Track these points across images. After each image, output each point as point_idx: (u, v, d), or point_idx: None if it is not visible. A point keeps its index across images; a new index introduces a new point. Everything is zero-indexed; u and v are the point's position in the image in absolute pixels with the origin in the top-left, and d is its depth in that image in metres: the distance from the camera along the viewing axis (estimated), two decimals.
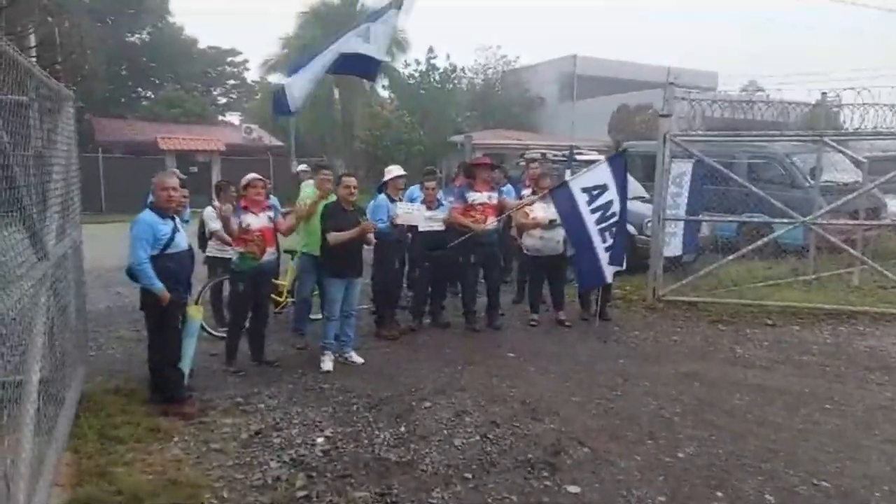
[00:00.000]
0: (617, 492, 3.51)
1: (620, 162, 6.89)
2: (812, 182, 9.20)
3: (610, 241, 6.73)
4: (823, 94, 9.71)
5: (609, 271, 6.85)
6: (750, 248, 7.92)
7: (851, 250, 7.94)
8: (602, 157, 7.23)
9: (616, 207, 6.73)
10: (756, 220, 8.62)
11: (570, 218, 6.64)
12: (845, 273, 8.70)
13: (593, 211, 6.64)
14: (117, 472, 3.56)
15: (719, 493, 3.49)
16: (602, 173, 6.79)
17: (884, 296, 7.90)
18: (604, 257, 6.74)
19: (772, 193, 7.90)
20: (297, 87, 6.02)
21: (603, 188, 6.68)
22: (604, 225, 6.70)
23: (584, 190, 6.64)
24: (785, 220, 7.73)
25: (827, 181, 9.05)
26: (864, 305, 7.55)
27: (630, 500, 3.43)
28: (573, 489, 3.53)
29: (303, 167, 9.46)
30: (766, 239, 7.91)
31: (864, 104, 8.57)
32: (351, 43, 6.20)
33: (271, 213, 5.56)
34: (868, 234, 8.98)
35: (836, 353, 6.13)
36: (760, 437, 4.20)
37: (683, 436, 4.23)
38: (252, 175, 5.55)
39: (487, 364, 5.73)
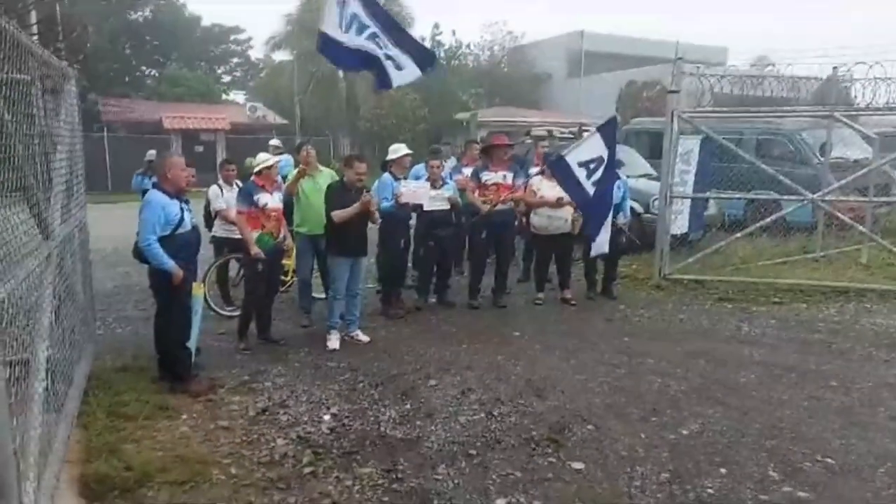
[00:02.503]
0: (621, 468, 3.53)
1: (611, 129, 6.87)
2: (822, 159, 9.10)
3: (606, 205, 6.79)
4: (834, 68, 9.54)
5: (604, 239, 6.89)
6: (757, 225, 7.86)
7: (860, 227, 7.87)
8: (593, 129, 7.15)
9: (610, 174, 6.75)
10: (764, 197, 8.54)
11: (575, 189, 6.63)
12: (853, 250, 8.63)
13: (594, 183, 6.63)
14: (126, 449, 3.61)
15: (723, 470, 3.50)
16: (596, 145, 6.75)
17: (892, 273, 7.85)
18: (601, 214, 6.79)
19: (780, 170, 7.82)
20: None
21: (599, 161, 6.65)
22: (601, 183, 6.71)
23: (581, 164, 6.62)
24: (793, 198, 7.65)
25: (837, 158, 8.94)
26: (872, 283, 7.50)
27: (633, 476, 3.45)
28: (577, 466, 3.56)
29: (275, 142, 9.46)
30: (773, 217, 7.85)
31: (875, 79, 8.42)
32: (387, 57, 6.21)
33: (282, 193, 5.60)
34: (877, 211, 8.89)
35: (843, 330, 6.11)
36: (765, 415, 4.21)
37: (688, 413, 4.24)
38: (264, 155, 5.56)
39: (493, 342, 5.74)
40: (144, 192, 7.35)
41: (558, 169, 6.63)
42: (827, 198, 7.65)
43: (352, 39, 6.05)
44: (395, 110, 25.55)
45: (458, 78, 29.23)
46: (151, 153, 8.06)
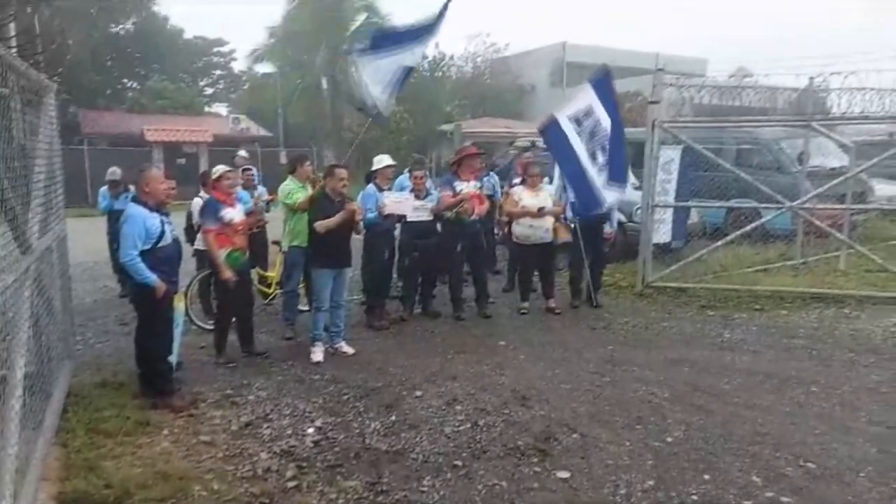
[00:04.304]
0: (606, 476, 3.54)
1: (605, 82, 6.91)
2: (799, 167, 9.24)
3: (603, 159, 6.78)
4: (811, 79, 9.73)
5: (610, 194, 6.85)
6: (738, 233, 7.96)
7: (838, 234, 8.01)
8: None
9: (605, 124, 6.76)
10: (744, 205, 8.65)
11: (563, 154, 6.74)
12: (832, 257, 8.76)
13: (582, 136, 6.72)
14: (106, 466, 3.55)
15: (707, 476, 3.52)
16: (586, 96, 6.82)
17: (870, 279, 7.97)
18: (599, 180, 6.79)
19: (759, 179, 7.93)
20: (379, 97, 6.57)
21: (588, 112, 6.74)
22: (594, 147, 6.77)
23: (571, 119, 6.71)
24: (772, 206, 7.77)
25: (814, 166, 9.09)
26: (851, 289, 7.61)
27: (619, 484, 3.45)
28: (563, 475, 3.56)
29: (242, 153, 9.36)
30: (753, 224, 7.96)
31: (850, 88, 8.60)
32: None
33: (243, 206, 5.56)
34: (855, 218, 9.05)
35: (823, 336, 6.19)
36: (748, 421, 4.24)
37: (672, 420, 4.26)
38: (222, 166, 5.51)
39: (478, 352, 5.74)
40: (111, 213, 7.30)
41: (550, 135, 6.72)
42: (805, 205, 7.77)
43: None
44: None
45: (443, 89, 29.33)
46: (113, 171, 7.72)
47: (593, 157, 6.79)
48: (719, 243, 7.99)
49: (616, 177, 6.81)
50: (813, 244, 8.82)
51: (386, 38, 6.73)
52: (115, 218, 6.55)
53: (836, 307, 7.13)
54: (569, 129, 6.66)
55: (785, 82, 9.37)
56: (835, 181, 7.80)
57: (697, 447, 3.87)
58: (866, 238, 8.97)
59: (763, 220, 7.94)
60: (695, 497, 3.33)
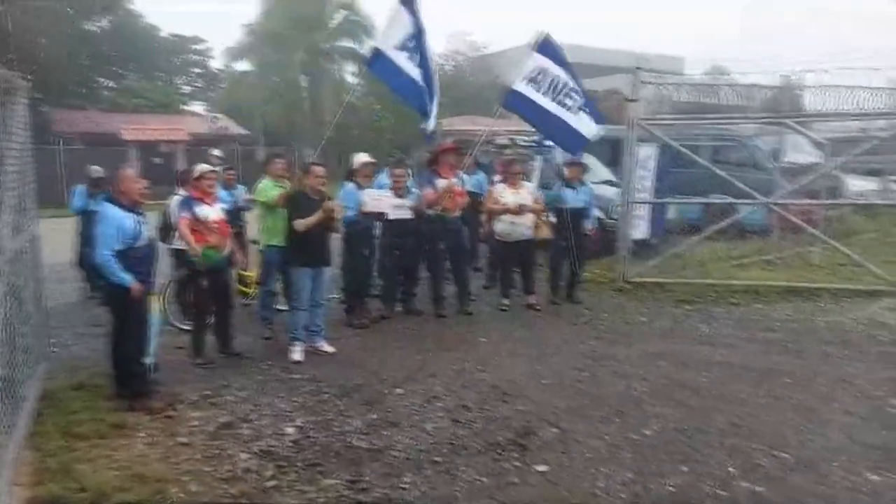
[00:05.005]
0: (585, 470, 3.57)
1: (547, 47, 7.07)
2: (774, 164, 9.39)
3: (580, 100, 7.04)
4: (785, 77, 9.90)
5: (590, 128, 7.10)
6: (714, 228, 8.06)
7: (811, 229, 8.14)
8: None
9: (564, 77, 6.99)
10: (720, 201, 8.77)
11: (534, 114, 6.96)
12: (806, 251, 8.92)
13: (545, 93, 6.91)
14: (81, 469, 3.49)
15: (684, 468, 3.57)
16: (533, 61, 6.99)
17: (843, 273, 8.12)
18: (575, 119, 7.02)
19: (735, 175, 8.04)
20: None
21: (542, 71, 6.91)
22: (562, 97, 6.99)
23: (526, 81, 6.89)
24: (748, 202, 7.88)
25: (789, 162, 9.24)
26: (825, 282, 7.75)
27: (597, 477, 3.48)
28: (542, 468, 3.58)
29: (216, 152, 9.21)
30: (729, 220, 8.06)
31: (823, 86, 8.75)
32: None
33: (224, 205, 5.50)
34: (828, 213, 9.21)
35: (798, 329, 6.30)
36: (725, 413, 4.30)
37: (651, 414, 4.31)
38: (204, 165, 5.45)
39: (459, 349, 5.75)
40: (85, 213, 7.16)
41: (513, 104, 6.93)
42: (780, 201, 7.89)
43: (401, 61, 6.58)
44: (359, 120, 25.45)
45: None
46: (96, 169, 7.57)
47: (563, 104, 7.02)
48: (696, 239, 8.09)
49: (594, 115, 7.17)
50: (788, 239, 8.97)
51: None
52: (89, 219, 6.44)
53: (810, 300, 7.26)
54: (528, 91, 6.88)
55: (761, 80, 9.50)
56: (808, 177, 7.94)
57: (675, 440, 3.92)
58: (839, 233, 9.13)
59: (739, 215, 8.05)
60: (672, 489, 3.37)
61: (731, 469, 3.55)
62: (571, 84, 7.03)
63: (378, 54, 6.74)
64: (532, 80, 6.89)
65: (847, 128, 11.85)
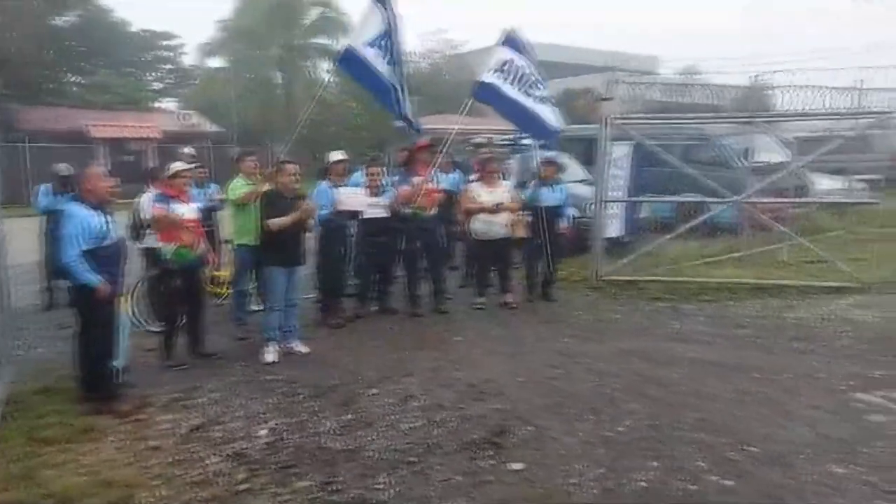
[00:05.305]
0: (559, 466, 3.59)
1: (514, 40, 7.20)
2: (744, 162, 9.55)
3: (545, 91, 7.29)
4: (755, 77, 10.08)
5: (557, 119, 7.37)
6: (686, 227, 8.18)
7: (780, 227, 8.31)
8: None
9: (530, 69, 7.17)
10: (692, 199, 8.90)
11: (503, 104, 7.06)
12: (775, 249, 9.10)
13: (513, 83, 7.04)
14: (47, 475, 3.42)
15: (655, 463, 3.61)
16: (501, 53, 7.12)
17: (810, 270, 8.30)
18: (542, 109, 7.23)
19: (706, 174, 8.17)
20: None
21: (509, 62, 7.06)
22: (528, 87, 7.15)
23: (493, 72, 7.01)
24: (718, 200, 8.01)
25: (758, 162, 9.41)
26: (792, 279, 7.92)
27: (571, 473, 3.51)
28: (517, 466, 3.60)
29: (188, 150, 9.01)
30: (701, 218, 8.19)
31: (792, 86, 8.92)
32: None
33: (198, 204, 5.44)
34: (795, 211, 9.41)
35: (767, 325, 6.42)
36: (696, 409, 4.36)
37: (624, 410, 4.35)
38: (179, 163, 5.38)
39: (434, 348, 5.74)
40: (51, 212, 6.99)
41: (483, 94, 7.03)
42: (749, 199, 8.04)
43: (374, 59, 6.58)
44: (334, 118, 25.29)
45: None
46: (63, 167, 7.35)
47: (529, 94, 7.15)
48: (668, 237, 8.20)
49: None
50: (757, 237, 9.14)
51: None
52: (54, 218, 6.28)
53: (779, 297, 7.41)
54: (497, 81, 6.99)
55: (735, 80, 9.68)
56: (777, 175, 8.10)
57: (647, 436, 3.97)
58: (807, 230, 9.33)
59: (710, 213, 8.18)
60: (643, 483, 3.41)
61: (701, 463, 3.61)
62: (535, 76, 7.18)
63: (349, 51, 6.70)
64: (499, 71, 6.99)
65: (814, 127, 12.14)
